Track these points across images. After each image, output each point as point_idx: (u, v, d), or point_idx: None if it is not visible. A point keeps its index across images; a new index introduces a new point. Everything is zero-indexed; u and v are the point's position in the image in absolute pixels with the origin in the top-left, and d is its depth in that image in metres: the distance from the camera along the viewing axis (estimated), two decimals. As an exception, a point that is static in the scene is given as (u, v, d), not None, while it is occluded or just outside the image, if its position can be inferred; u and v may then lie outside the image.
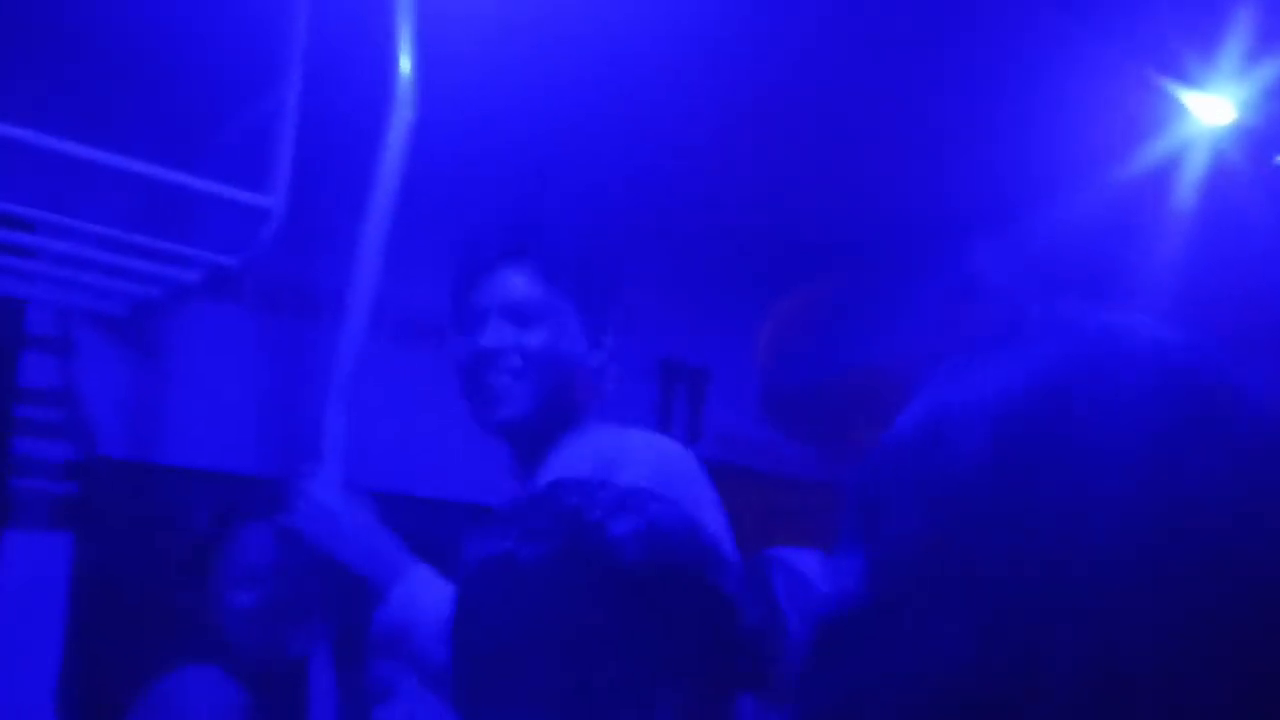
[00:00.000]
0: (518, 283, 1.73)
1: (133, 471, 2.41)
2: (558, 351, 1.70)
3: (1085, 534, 0.49)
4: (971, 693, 0.49)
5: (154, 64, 2.22)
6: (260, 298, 2.56)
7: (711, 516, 1.63)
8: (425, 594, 1.54)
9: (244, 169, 2.01)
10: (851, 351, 2.81)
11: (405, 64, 1.96)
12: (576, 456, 1.61)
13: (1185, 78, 2.20)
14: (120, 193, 2.08)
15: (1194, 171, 2.41)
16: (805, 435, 3.22)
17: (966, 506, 0.52)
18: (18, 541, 2.26)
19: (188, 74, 2.24)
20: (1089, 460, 0.51)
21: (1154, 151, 2.39)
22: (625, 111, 2.40)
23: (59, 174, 1.94)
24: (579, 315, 1.74)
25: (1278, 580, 0.49)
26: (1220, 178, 2.41)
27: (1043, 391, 0.53)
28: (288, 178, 1.98)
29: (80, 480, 2.34)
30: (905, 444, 0.56)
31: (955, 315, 2.57)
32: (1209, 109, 2.30)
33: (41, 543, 2.29)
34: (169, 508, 2.40)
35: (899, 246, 2.71)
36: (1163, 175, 2.44)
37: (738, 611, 0.97)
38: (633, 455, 1.58)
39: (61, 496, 2.32)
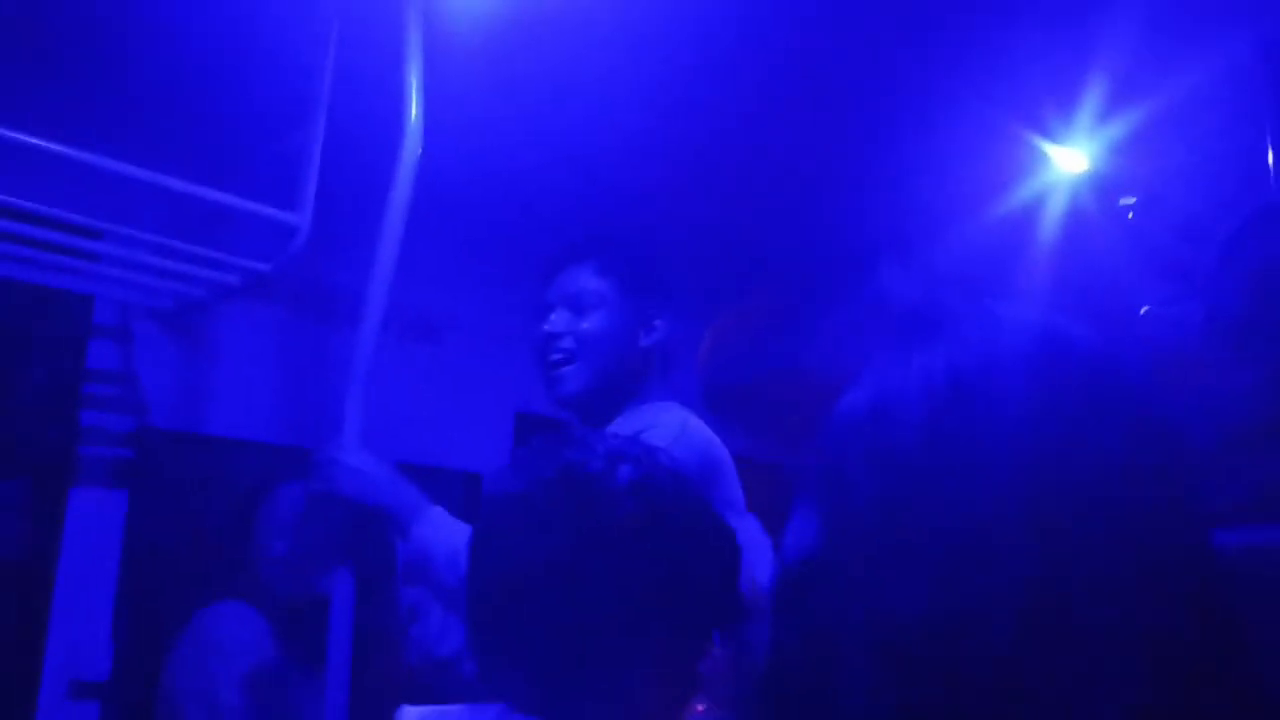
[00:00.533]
0: (577, 277, 1.73)
1: (180, 441, 2.41)
2: (609, 334, 1.69)
3: (1007, 489, 0.49)
4: (921, 632, 0.48)
5: (206, 99, 2.23)
6: (290, 299, 2.57)
7: (719, 480, 1.63)
8: (440, 530, 1.55)
9: (277, 190, 2.01)
10: (780, 353, 2.83)
11: (414, 109, 1.99)
12: (624, 425, 1.61)
13: (1049, 133, 2.24)
14: (173, 208, 2.07)
15: (1054, 212, 2.44)
16: (739, 422, 3.23)
17: (909, 472, 0.51)
18: (83, 497, 2.26)
19: (233, 108, 2.25)
20: (1004, 427, 0.51)
21: (1022, 194, 2.42)
22: (596, 142, 2.41)
23: (123, 191, 1.94)
24: (630, 303, 1.73)
25: (1158, 520, 0.49)
26: (1076, 219, 2.44)
27: (964, 371, 0.53)
28: (314, 198, 1.99)
29: (136, 448, 2.33)
30: (854, 421, 0.55)
31: (866, 325, 2.59)
32: (1067, 159, 2.33)
33: (102, 499, 2.28)
34: (210, 472, 2.40)
35: (821, 269, 2.74)
36: (1029, 215, 2.47)
37: (721, 557, 0.94)
38: (661, 423, 1.57)
39: (120, 461, 2.31)
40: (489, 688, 0.88)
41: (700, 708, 0.94)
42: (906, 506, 0.50)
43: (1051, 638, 0.46)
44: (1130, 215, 2.35)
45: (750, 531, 2.35)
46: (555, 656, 0.87)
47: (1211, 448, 0.88)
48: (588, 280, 1.72)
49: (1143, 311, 2.24)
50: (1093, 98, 2.06)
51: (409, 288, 2.08)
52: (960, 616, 0.47)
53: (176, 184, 1.89)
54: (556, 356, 1.68)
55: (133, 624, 2.27)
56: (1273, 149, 2.01)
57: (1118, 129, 2.17)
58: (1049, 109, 2.16)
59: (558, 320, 1.70)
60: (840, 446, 0.55)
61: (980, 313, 0.57)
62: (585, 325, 1.69)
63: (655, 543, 0.89)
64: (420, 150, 1.98)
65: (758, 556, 2.27)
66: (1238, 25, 1.90)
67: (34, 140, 1.72)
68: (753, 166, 2.53)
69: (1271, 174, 2.01)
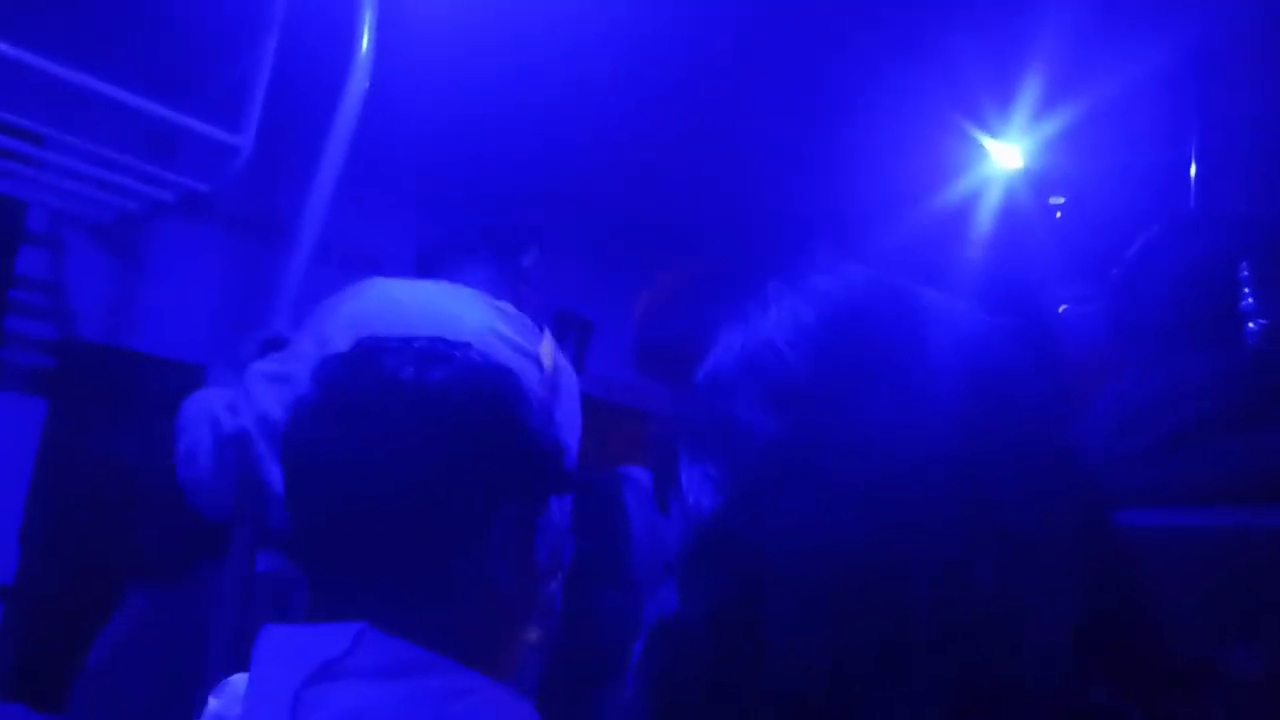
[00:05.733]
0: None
1: (105, 354, 2.40)
2: None
3: (901, 418, 0.50)
4: (854, 562, 0.48)
5: (158, 13, 2.23)
6: (229, 222, 2.57)
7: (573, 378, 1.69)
8: None
9: (223, 111, 2.02)
10: (710, 318, 2.86)
11: (365, 41, 2.01)
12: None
13: (987, 127, 2.30)
14: (117, 121, 2.07)
15: (988, 207, 2.51)
16: (669, 381, 3.29)
17: (806, 405, 0.52)
18: (1, 401, 2.26)
19: (184, 25, 2.25)
20: (878, 356, 0.52)
21: (959, 187, 2.49)
22: (546, 100, 2.44)
23: (67, 98, 1.94)
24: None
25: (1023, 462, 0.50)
26: (1008, 214, 2.51)
27: (831, 312, 0.55)
28: (258, 122, 2.00)
29: (59, 357, 2.33)
30: (734, 371, 0.56)
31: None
32: (1003, 155, 2.40)
33: (20, 405, 2.28)
34: (133, 388, 2.39)
35: (755, 241, 2.78)
36: (964, 208, 2.54)
37: (546, 439, 0.95)
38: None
39: (41, 369, 2.32)
40: (340, 615, 0.86)
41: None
42: (812, 439, 0.51)
43: (979, 566, 0.46)
44: (1058, 214, 2.42)
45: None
46: (402, 568, 0.87)
47: (1170, 437, 0.91)
48: None
49: (1061, 310, 2.31)
50: (1029, 94, 2.13)
51: (351, 219, 2.11)
52: (891, 541, 0.47)
53: (122, 95, 1.88)
54: None
55: (41, 531, 2.27)
56: (1196, 158, 2.09)
57: (1051, 127, 2.23)
58: (988, 103, 2.22)
59: None
60: (727, 396, 0.55)
61: (823, 267, 0.60)
62: None
63: (484, 434, 0.89)
64: (368, 83, 2.01)
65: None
66: (1169, 33, 1.97)
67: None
68: (695, 144, 2.58)
69: (1192, 184, 2.09)
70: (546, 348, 1.68)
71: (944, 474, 0.48)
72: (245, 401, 1.53)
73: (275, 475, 1.46)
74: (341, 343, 1.48)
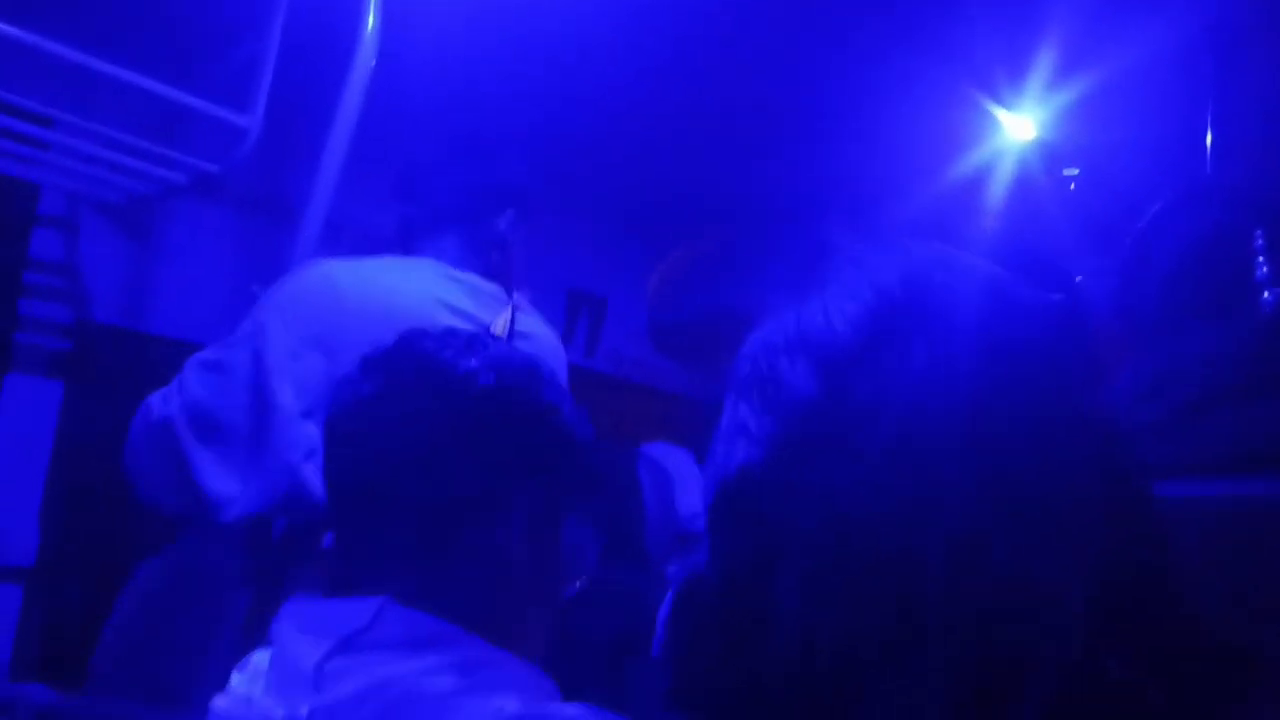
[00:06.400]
0: None
1: (120, 336, 2.42)
2: None
3: (947, 397, 0.50)
4: (857, 535, 0.48)
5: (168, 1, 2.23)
6: (240, 203, 2.57)
7: (545, 346, 1.67)
8: None
9: (231, 93, 2.02)
10: (723, 296, 2.87)
11: (370, 20, 2.01)
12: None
13: (1000, 99, 2.28)
14: (127, 103, 2.07)
15: (1002, 178, 2.49)
16: (682, 359, 3.29)
17: (848, 374, 0.52)
18: (17, 385, 2.28)
19: (192, 9, 2.25)
20: (935, 338, 0.53)
21: (972, 159, 2.47)
22: (557, 77, 2.44)
23: (77, 81, 1.94)
24: None
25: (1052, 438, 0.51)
26: (1023, 186, 2.49)
27: (887, 287, 0.56)
28: (266, 103, 2.00)
29: (74, 340, 2.35)
30: (785, 335, 0.57)
31: (808, 274, 2.63)
32: (1017, 126, 2.38)
33: (37, 388, 2.30)
34: (148, 368, 2.40)
35: (768, 217, 2.77)
36: (978, 180, 2.52)
37: (571, 428, 0.97)
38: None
39: (57, 352, 2.33)
40: (363, 589, 0.89)
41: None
42: (848, 409, 0.51)
43: (998, 541, 0.47)
44: (1072, 186, 2.41)
45: (682, 460, 2.41)
46: (426, 543, 0.90)
47: (1182, 409, 0.90)
48: None
49: (1076, 282, 2.29)
50: (1043, 64, 2.10)
51: (361, 199, 2.11)
52: (907, 513, 0.48)
53: (132, 77, 1.89)
54: None
55: (61, 513, 2.30)
56: (1211, 129, 2.06)
57: (1066, 97, 2.21)
58: (1000, 74, 2.20)
59: None
60: (771, 358, 0.56)
61: (889, 245, 0.60)
62: None
63: (509, 418, 0.93)
64: (374, 61, 2.01)
65: (689, 485, 2.33)
66: (1184, 1, 1.94)
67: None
68: (706, 119, 2.57)
69: (1208, 155, 2.07)
70: (503, 320, 1.65)
71: (962, 445, 0.49)
72: (178, 388, 1.52)
73: (203, 462, 1.44)
74: (277, 327, 1.47)
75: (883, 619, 0.46)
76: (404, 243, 1.76)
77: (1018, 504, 0.47)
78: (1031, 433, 0.50)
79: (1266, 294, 0.97)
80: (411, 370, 0.94)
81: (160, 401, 1.53)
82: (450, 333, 0.98)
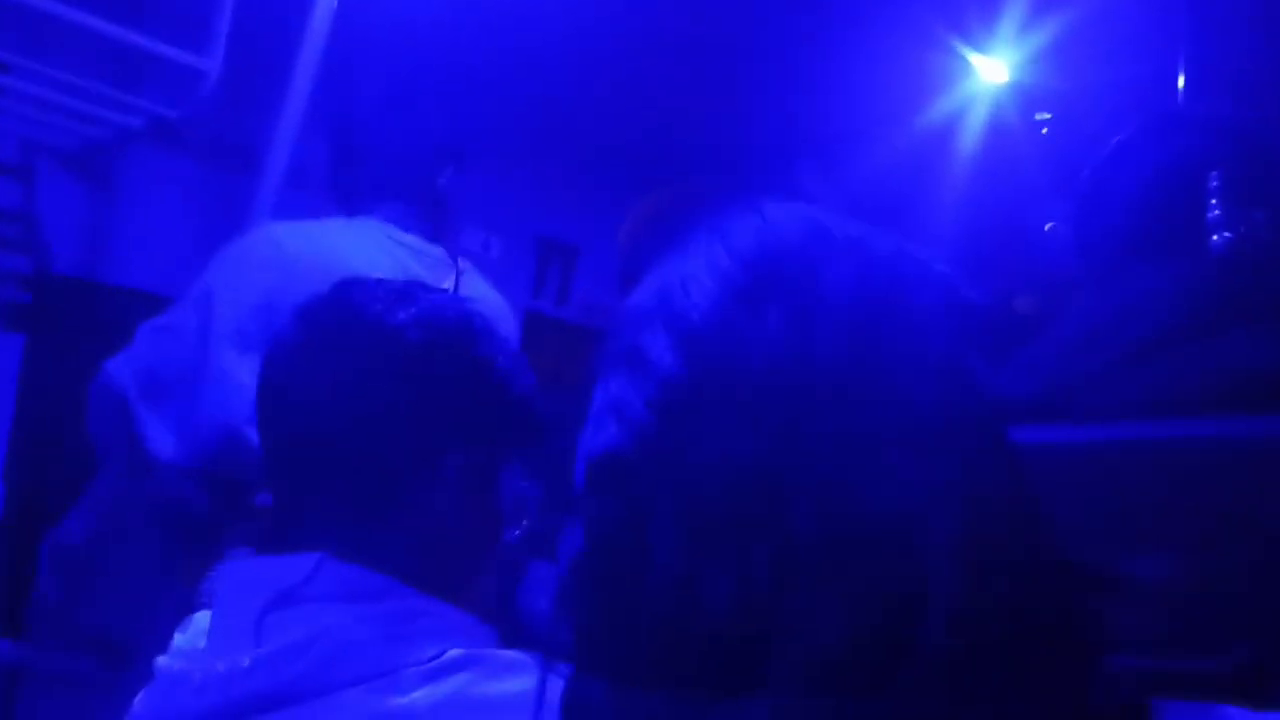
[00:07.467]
0: None
1: (79, 287, 2.39)
2: None
3: (795, 359, 0.50)
4: (723, 489, 0.48)
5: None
6: (199, 149, 2.53)
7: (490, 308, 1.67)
8: None
9: (190, 36, 1.98)
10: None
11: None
12: None
13: (973, 43, 2.26)
14: (83, 46, 2.04)
15: (975, 122, 2.48)
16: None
17: (708, 340, 0.52)
18: (-21, 337, 2.26)
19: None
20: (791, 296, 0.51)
21: (945, 103, 2.46)
22: (524, 22, 2.40)
23: (31, 24, 1.90)
24: None
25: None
26: (995, 130, 2.48)
27: (743, 251, 0.54)
28: (225, 45, 1.96)
29: (35, 292, 2.31)
30: (647, 304, 0.56)
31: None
32: (989, 69, 2.36)
33: (-1, 341, 2.29)
34: (111, 320, 2.38)
35: (738, 163, 2.75)
36: (950, 124, 2.51)
37: (509, 380, 0.95)
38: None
39: (17, 304, 2.30)
40: (301, 546, 0.88)
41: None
42: (707, 378, 0.51)
43: (857, 480, 0.48)
44: (1044, 130, 2.40)
45: None
46: (361, 499, 0.89)
47: (1127, 353, 0.89)
48: None
49: (1048, 227, 2.29)
50: (1015, 7, 2.09)
51: (325, 146, 2.07)
52: (772, 463, 0.48)
53: (86, 19, 1.85)
54: None
55: (26, 467, 2.29)
56: (1184, 72, 2.05)
57: (1038, 40, 2.20)
58: (973, 17, 2.18)
59: None
60: (638, 328, 0.56)
61: (748, 211, 0.59)
62: None
63: (442, 369, 0.91)
64: (335, 3, 1.97)
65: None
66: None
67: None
68: (677, 64, 2.54)
69: (1180, 97, 2.05)
70: (448, 284, 1.64)
71: (821, 403, 0.49)
72: (129, 352, 1.52)
73: (147, 419, 1.45)
74: (223, 290, 1.47)
75: (756, 571, 0.47)
76: (345, 204, 1.74)
77: (870, 443, 0.48)
78: (889, 384, 0.50)
79: (1216, 237, 0.96)
80: (339, 322, 0.92)
81: (113, 364, 1.53)
82: (380, 284, 0.95)
